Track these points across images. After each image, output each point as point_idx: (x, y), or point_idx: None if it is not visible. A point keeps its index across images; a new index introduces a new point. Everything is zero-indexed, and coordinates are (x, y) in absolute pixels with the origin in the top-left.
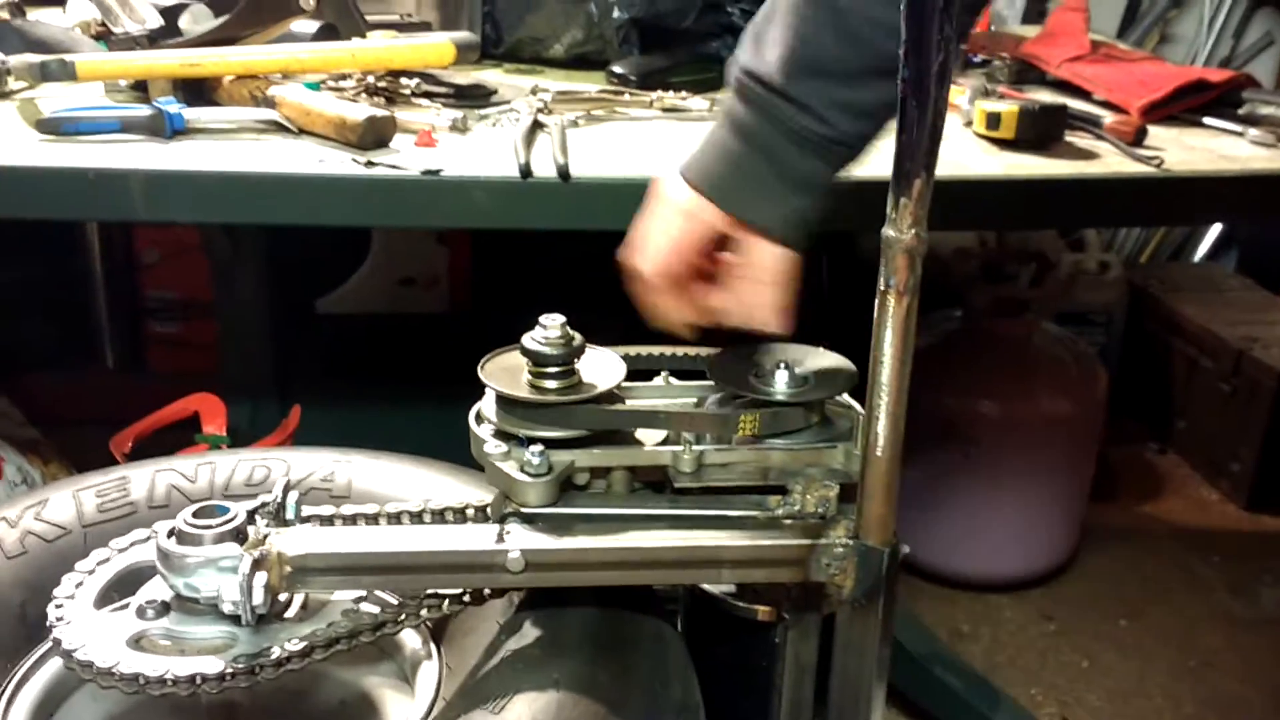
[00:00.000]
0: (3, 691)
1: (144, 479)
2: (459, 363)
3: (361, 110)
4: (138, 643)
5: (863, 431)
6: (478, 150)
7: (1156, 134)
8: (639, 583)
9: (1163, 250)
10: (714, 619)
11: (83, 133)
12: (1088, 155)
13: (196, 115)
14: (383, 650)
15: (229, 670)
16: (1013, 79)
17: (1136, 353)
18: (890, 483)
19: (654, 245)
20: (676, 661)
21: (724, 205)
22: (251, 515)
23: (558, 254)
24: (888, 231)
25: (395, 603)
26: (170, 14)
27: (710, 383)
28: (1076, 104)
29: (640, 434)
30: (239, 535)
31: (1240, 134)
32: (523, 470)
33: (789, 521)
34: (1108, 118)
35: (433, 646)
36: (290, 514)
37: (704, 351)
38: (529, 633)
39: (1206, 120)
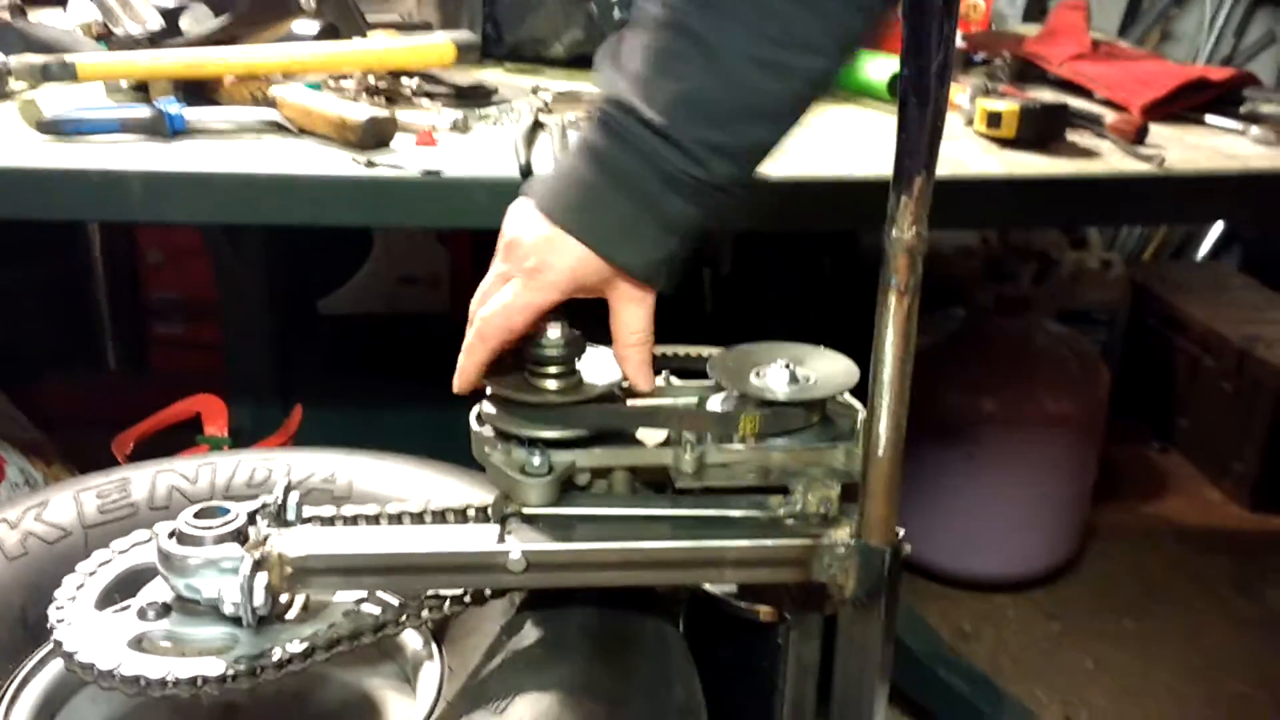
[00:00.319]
0: (4, 693)
1: (145, 480)
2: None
3: (362, 110)
4: (139, 644)
5: (864, 431)
6: (478, 150)
7: (1158, 132)
8: (640, 583)
9: (1165, 249)
10: (716, 619)
11: (84, 133)
12: (1089, 154)
13: (197, 116)
14: (384, 651)
15: (230, 672)
16: (1014, 77)
17: (1139, 351)
18: (892, 482)
19: (510, 303)
20: (678, 662)
21: (601, 251)
22: (252, 516)
23: None
24: (889, 230)
25: (396, 604)
26: (171, 15)
27: (711, 382)
28: (1078, 102)
29: (641, 435)
30: (240, 536)
31: (1242, 132)
32: (523, 471)
33: (791, 521)
34: (1109, 116)
35: (434, 647)
36: (291, 515)
37: (705, 351)
38: (530, 633)
39: (1208, 119)
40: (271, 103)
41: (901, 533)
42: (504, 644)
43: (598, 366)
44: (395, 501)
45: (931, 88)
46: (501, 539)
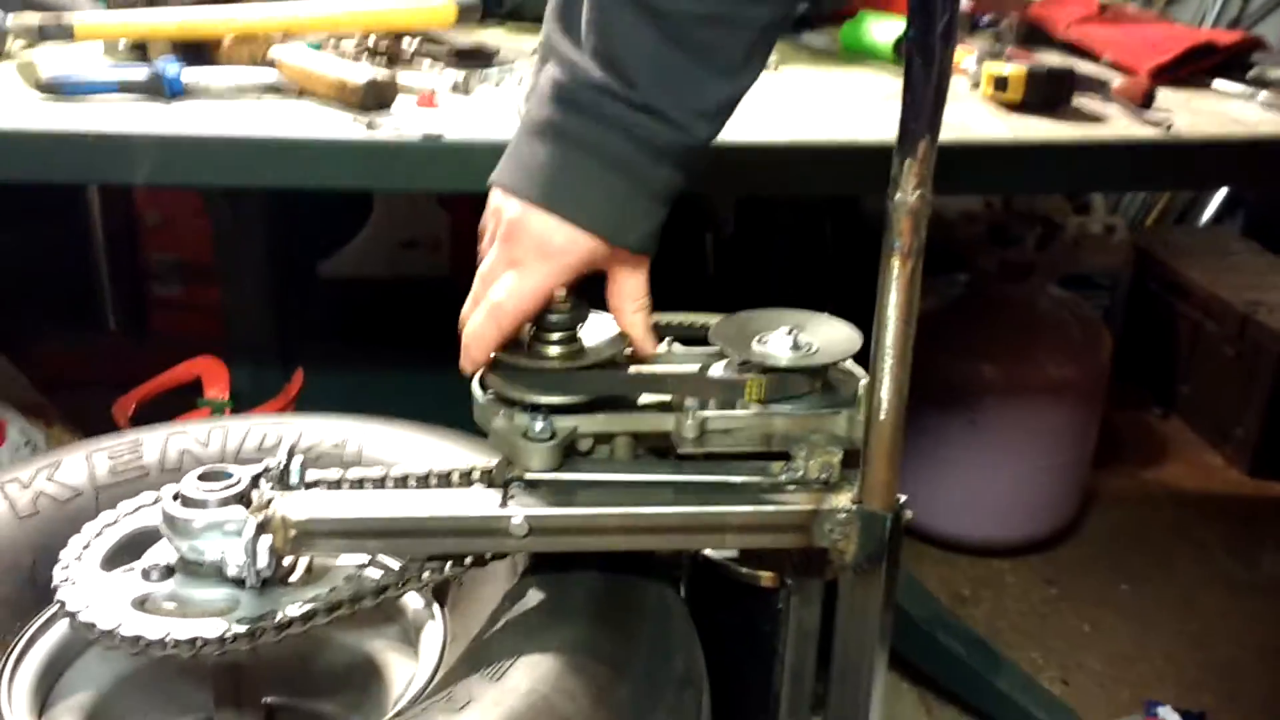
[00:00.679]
0: (12, 651)
1: (157, 442)
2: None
3: (363, 72)
4: (142, 605)
5: (866, 395)
6: (480, 112)
7: (1165, 97)
8: (642, 548)
9: (1168, 214)
10: (717, 585)
11: (82, 94)
12: (1096, 118)
13: (196, 77)
14: (387, 614)
15: (230, 633)
16: (1020, 41)
17: (1141, 317)
18: (894, 447)
19: (520, 288)
20: (680, 627)
21: (605, 234)
22: (256, 480)
23: None
24: (892, 192)
25: (398, 567)
26: None
27: (713, 349)
28: (1084, 66)
29: (644, 401)
30: (244, 499)
31: (1250, 97)
32: (526, 436)
33: (792, 487)
34: (1116, 80)
35: (436, 610)
36: (295, 479)
37: (708, 318)
38: (533, 598)
39: (1215, 83)
40: (271, 64)
41: (903, 498)
42: (506, 608)
43: (600, 333)
44: (400, 467)
45: (936, 48)
46: (504, 504)
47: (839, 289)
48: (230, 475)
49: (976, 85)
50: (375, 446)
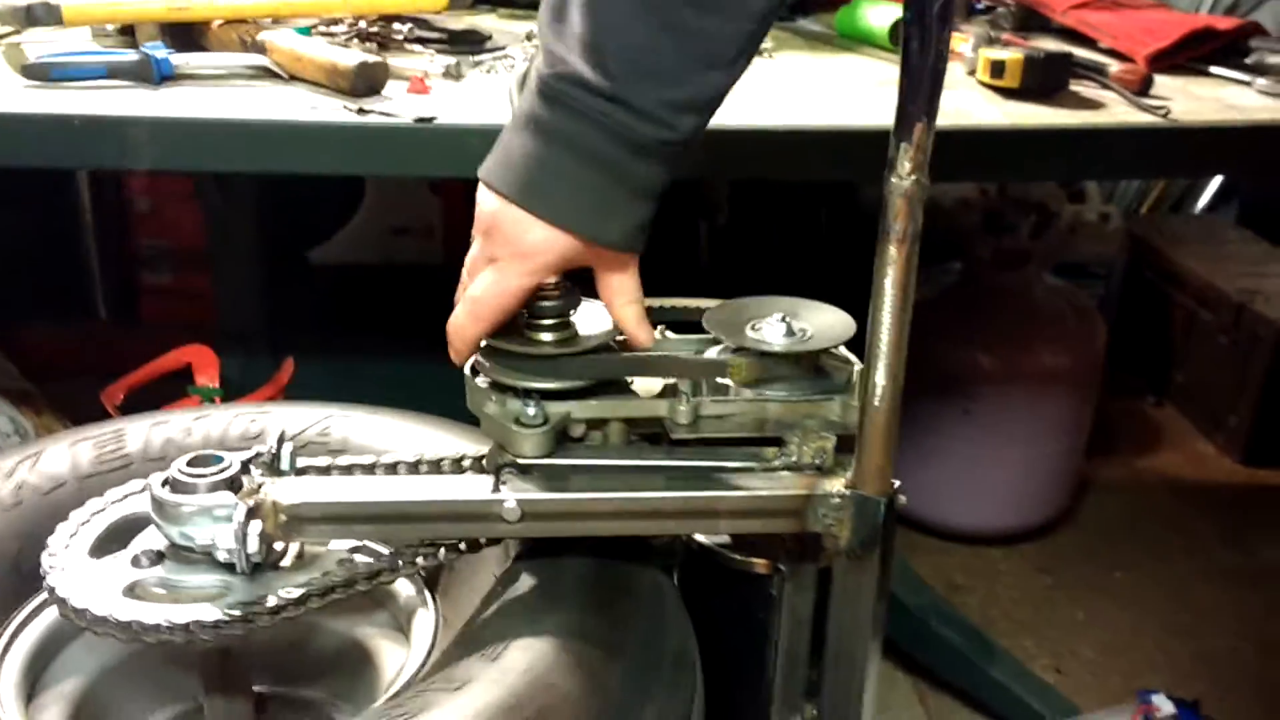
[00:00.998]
0: None
1: (140, 432)
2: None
3: (353, 56)
4: (132, 591)
5: (861, 380)
6: (471, 97)
7: (1163, 83)
8: (635, 533)
9: (1163, 202)
10: (711, 572)
11: (69, 79)
12: (1093, 105)
13: (185, 61)
14: (378, 601)
15: (224, 617)
16: (1017, 26)
17: (1136, 305)
18: (888, 432)
19: (498, 287)
20: (672, 612)
21: (582, 232)
22: (246, 465)
23: None
24: (888, 177)
25: (390, 552)
26: None
27: (708, 336)
28: (1082, 52)
29: (637, 388)
30: (234, 484)
31: (1247, 83)
32: (518, 421)
33: (786, 472)
34: (1114, 66)
35: (428, 596)
36: (285, 464)
37: (701, 304)
38: (525, 582)
39: (1213, 69)
40: (261, 48)
41: (897, 484)
42: (498, 593)
43: (592, 318)
44: (391, 454)
45: (933, 29)
46: (496, 489)
47: (835, 277)
48: (220, 460)
49: (973, 71)
50: (360, 434)
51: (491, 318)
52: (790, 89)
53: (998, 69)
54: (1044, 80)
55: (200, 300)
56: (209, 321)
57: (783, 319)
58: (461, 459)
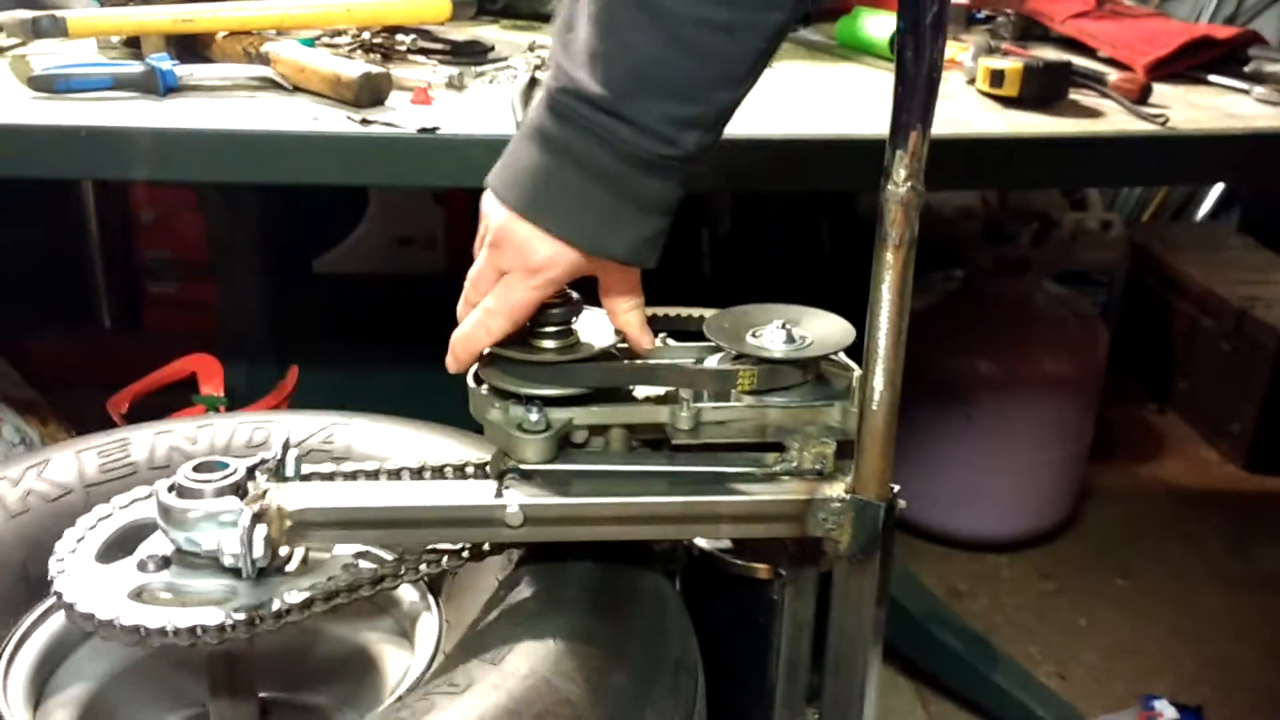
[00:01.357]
0: (5, 647)
1: (145, 440)
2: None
3: (357, 67)
4: (138, 596)
5: (860, 384)
6: (475, 108)
7: (1162, 92)
8: (637, 538)
9: (1164, 209)
10: (713, 577)
11: (75, 90)
12: (1092, 113)
13: (190, 72)
14: (382, 606)
15: (229, 621)
16: (1017, 35)
17: (1137, 312)
18: (887, 437)
19: (509, 301)
20: (674, 617)
21: (588, 247)
22: (251, 471)
23: None
24: (885, 184)
25: (394, 558)
26: None
27: (708, 343)
28: (1081, 61)
29: (638, 395)
30: (239, 490)
31: (1246, 92)
32: (521, 428)
33: (786, 477)
34: (1113, 75)
35: (432, 602)
36: (290, 471)
37: (702, 312)
38: (527, 587)
39: (1212, 78)
40: (265, 59)
41: (896, 488)
42: (501, 598)
43: (595, 325)
44: (394, 461)
45: (927, 38)
46: (499, 494)
47: (835, 287)
48: (225, 466)
49: (973, 80)
50: (363, 442)
51: (501, 330)
52: (791, 98)
53: (997, 78)
54: (1043, 89)
55: (205, 310)
56: (213, 331)
57: (783, 326)
58: (465, 465)
